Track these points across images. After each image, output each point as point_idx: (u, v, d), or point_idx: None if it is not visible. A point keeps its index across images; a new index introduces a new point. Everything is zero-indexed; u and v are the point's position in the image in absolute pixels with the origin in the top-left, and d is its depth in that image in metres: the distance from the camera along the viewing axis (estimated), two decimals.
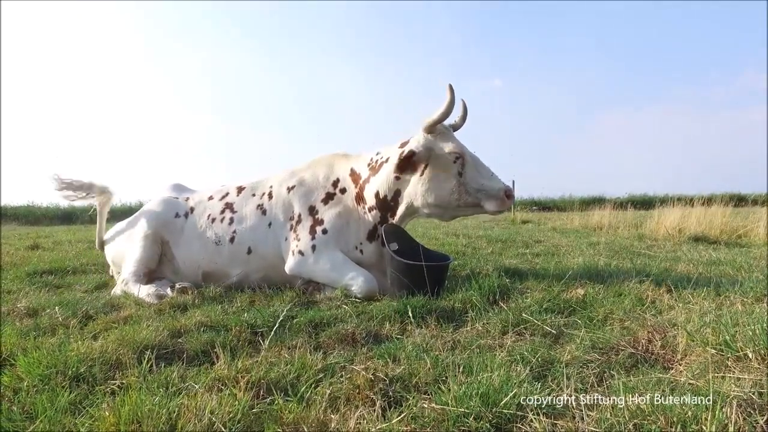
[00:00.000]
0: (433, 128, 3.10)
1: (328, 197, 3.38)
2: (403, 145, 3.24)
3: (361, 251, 3.28)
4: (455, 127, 3.32)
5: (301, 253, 3.20)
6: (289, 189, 3.46)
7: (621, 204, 13.95)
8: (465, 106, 3.36)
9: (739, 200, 11.94)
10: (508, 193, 3.00)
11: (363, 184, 3.35)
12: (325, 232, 3.22)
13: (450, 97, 2.98)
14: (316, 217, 3.29)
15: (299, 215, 3.34)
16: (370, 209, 3.29)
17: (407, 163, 3.09)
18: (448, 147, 3.05)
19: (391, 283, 3.00)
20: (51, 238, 8.41)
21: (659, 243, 5.95)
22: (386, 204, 3.25)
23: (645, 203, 19.91)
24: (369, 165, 3.38)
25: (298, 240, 3.25)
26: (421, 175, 3.10)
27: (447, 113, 3.04)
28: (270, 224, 3.40)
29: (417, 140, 3.13)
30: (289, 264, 3.23)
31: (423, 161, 3.09)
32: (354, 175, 3.43)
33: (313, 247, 3.18)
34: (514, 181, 15.73)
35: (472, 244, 5.64)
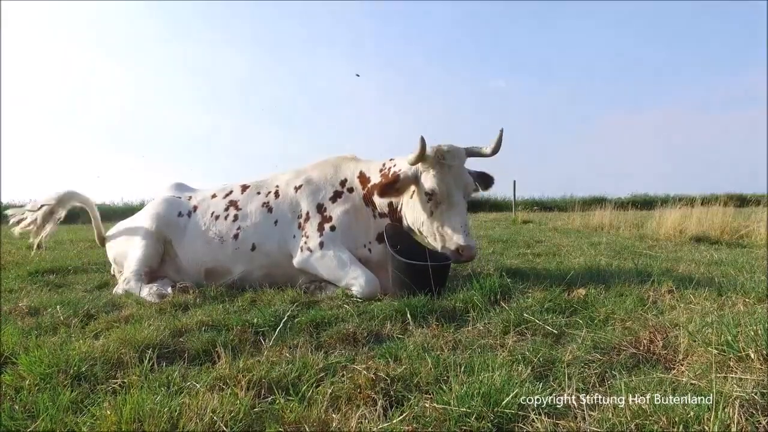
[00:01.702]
0: (412, 164, 3.08)
1: (337, 195, 3.42)
2: None
3: (369, 250, 3.34)
4: (484, 155, 3.21)
5: (309, 249, 3.23)
6: (297, 188, 3.51)
7: (622, 204, 13.95)
8: (500, 139, 3.14)
9: (740, 201, 11.89)
10: (461, 251, 2.95)
11: (372, 188, 3.37)
12: (333, 228, 3.26)
13: (419, 149, 2.94)
14: (325, 214, 3.34)
15: (307, 213, 3.38)
16: (382, 215, 3.36)
17: (391, 185, 3.10)
18: (428, 183, 3.05)
19: (393, 283, 3.01)
20: (52, 238, 8.41)
21: (660, 243, 5.95)
22: (396, 214, 3.33)
23: (646, 203, 19.82)
24: (381, 171, 3.42)
25: (307, 237, 3.28)
26: (411, 197, 3.18)
27: (415, 162, 3.03)
28: (276, 222, 3.43)
29: (406, 165, 3.15)
30: (297, 259, 3.28)
31: (410, 185, 3.14)
32: (363, 178, 3.46)
33: (321, 244, 3.22)
34: (515, 181, 15.77)
35: None
